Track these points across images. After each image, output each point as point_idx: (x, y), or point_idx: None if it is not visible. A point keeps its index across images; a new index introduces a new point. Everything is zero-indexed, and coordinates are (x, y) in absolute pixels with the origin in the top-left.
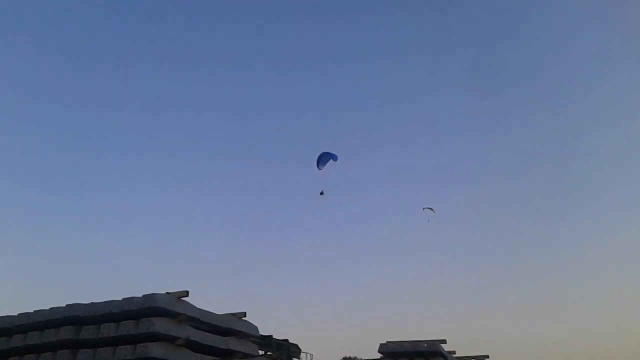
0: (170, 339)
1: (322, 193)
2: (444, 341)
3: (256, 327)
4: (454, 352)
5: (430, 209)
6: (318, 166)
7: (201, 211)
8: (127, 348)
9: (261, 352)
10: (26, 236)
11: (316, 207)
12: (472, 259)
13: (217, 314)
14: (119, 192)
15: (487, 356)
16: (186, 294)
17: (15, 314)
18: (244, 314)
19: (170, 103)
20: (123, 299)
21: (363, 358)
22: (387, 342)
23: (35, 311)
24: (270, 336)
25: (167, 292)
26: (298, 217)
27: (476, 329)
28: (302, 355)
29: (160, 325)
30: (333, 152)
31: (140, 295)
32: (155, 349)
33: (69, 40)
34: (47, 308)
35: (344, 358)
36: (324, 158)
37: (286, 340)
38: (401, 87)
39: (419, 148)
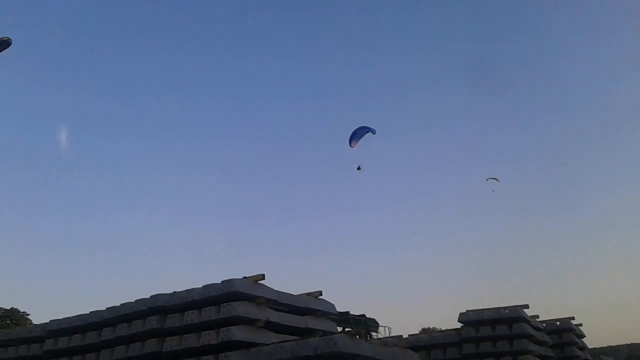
0: (250, 322)
1: (359, 168)
2: (526, 306)
3: (333, 305)
4: (537, 317)
5: (495, 179)
6: (350, 143)
7: (264, 195)
8: (210, 333)
9: (339, 329)
10: (105, 234)
11: (379, 182)
12: (547, 221)
13: (293, 295)
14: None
15: (573, 318)
16: (262, 277)
17: (104, 308)
18: (320, 293)
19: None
20: (203, 286)
21: (442, 328)
22: (467, 311)
23: (122, 304)
24: (347, 312)
25: (244, 277)
26: (361, 193)
27: (559, 293)
28: (380, 329)
29: (241, 309)
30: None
31: (219, 281)
32: (237, 332)
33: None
34: (133, 300)
35: (422, 329)
36: (358, 134)
37: (363, 316)
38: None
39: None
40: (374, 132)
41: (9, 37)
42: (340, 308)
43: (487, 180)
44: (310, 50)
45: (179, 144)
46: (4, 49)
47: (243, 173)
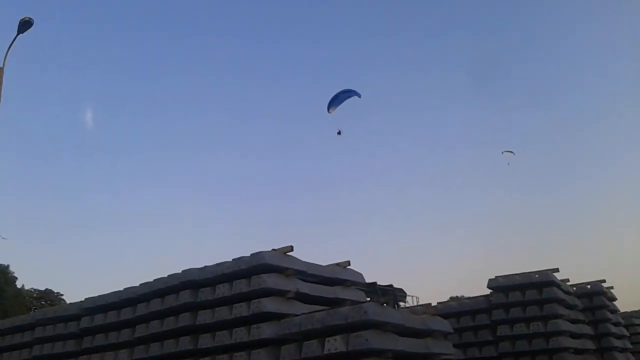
0: (280, 293)
1: (339, 133)
2: (556, 270)
3: (361, 275)
4: (568, 280)
5: (510, 152)
6: (329, 109)
7: (293, 169)
8: (242, 305)
9: (368, 299)
10: (132, 212)
11: (397, 156)
12: (572, 187)
13: (322, 265)
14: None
15: (604, 281)
16: (291, 248)
17: (138, 284)
18: (348, 263)
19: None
20: (233, 259)
21: (471, 296)
22: (496, 276)
23: (155, 280)
24: (375, 283)
25: (273, 249)
26: (383, 166)
27: (587, 255)
28: (408, 299)
29: (270, 280)
30: (351, 89)
31: (248, 254)
32: (268, 304)
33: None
34: (166, 276)
35: (450, 298)
36: (340, 98)
37: (391, 286)
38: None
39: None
40: (359, 95)
41: (31, 17)
42: (367, 279)
43: (502, 153)
44: (309, 45)
45: (202, 123)
46: (27, 29)
47: (268, 150)
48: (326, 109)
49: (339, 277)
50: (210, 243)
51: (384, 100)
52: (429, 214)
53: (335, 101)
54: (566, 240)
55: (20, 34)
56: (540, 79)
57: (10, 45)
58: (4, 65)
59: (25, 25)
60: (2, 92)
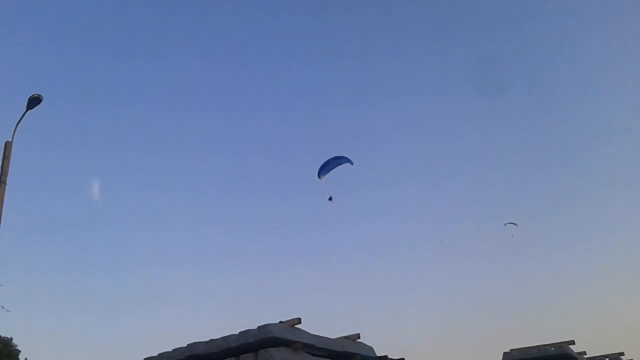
0: None
1: (330, 199)
2: (572, 342)
3: (372, 348)
4: (585, 353)
5: (513, 223)
6: (319, 176)
7: (297, 240)
8: None
9: None
10: (136, 280)
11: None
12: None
13: (331, 338)
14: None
15: (622, 353)
16: (299, 321)
17: (142, 359)
18: (358, 336)
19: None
20: (239, 332)
21: None
22: (511, 350)
23: (158, 354)
24: (386, 356)
25: (280, 321)
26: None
27: (605, 325)
28: None
29: (278, 355)
30: (343, 156)
31: (255, 327)
32: None
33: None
34: (170, 350)
35: None
36: (331, 164)
37: (402, 359)
38: (400, 85)
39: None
40: (351, 162)
41: (40, 94)
42: (378, 352)
43: (505, 225)
44: (300, 55)
45: (204, 198)
46: (36, 105)
47: (272, 221)
48: (317, 176)
49: (348, 350)
50: (215, 315)
51: (386, 164)
52: (439, 284)
53: (326, 167)
54: (580, 310)
55: (30, 110)
56: (552, 138)
57: (20, 120)
58: (12, 140)
59: (34, 101)
60: (10, 166)
